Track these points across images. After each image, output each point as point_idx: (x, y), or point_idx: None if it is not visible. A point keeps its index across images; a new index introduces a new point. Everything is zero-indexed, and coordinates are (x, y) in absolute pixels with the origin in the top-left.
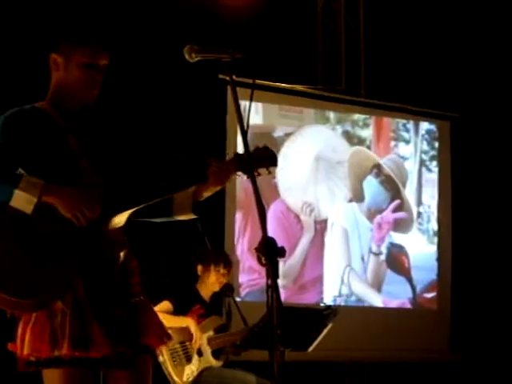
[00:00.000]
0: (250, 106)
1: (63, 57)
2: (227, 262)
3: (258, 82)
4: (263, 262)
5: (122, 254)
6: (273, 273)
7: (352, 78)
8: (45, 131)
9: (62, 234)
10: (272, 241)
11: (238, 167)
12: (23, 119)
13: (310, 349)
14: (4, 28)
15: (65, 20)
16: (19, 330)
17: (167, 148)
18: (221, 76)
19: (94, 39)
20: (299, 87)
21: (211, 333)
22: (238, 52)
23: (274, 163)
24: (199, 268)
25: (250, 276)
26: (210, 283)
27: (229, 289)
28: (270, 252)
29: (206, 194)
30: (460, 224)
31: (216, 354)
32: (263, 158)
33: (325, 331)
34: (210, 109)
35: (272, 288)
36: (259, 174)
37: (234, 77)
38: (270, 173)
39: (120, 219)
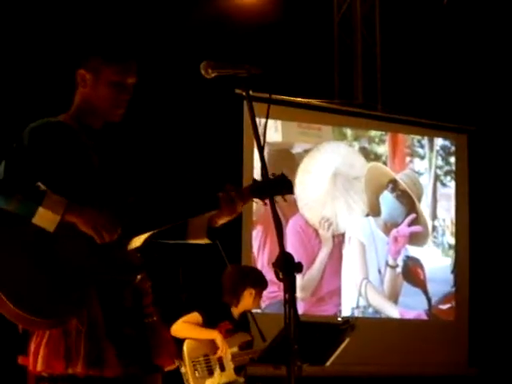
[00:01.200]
0: (266, 121)
1: (92, 73)
2: (265, 284)
3: (275, 96)
4: (281, 277)
5: (138, 276)
6: (290, 288)
7: (369, 93)
8: (71, 146)
9: (80, 253)
10: (289, 256)
11: (254, 194)
12: (51, 132)
13: (328, 363)
14: (31, 41)
15: (95, 36)
16: (32, 345)
17: (184, 166)
18: (237, 91)
19: (125, 57)
20: (316, 102)
21: (236, 349)
22: (255, 67)
23: (291, 191)
24: (239, 287)
25: (270, 289)
26: (246, 304)
27: None
28: (287, 267)
29: (221, 221)
30: (477, 237)
31: (238, 370)
32: (280, 185)
33: (342, 346)
34: (227, 124)
35: (289, 303)
36: (275, 202)
37: (250, 92)
38: (285, 200)
39: (137, 241)
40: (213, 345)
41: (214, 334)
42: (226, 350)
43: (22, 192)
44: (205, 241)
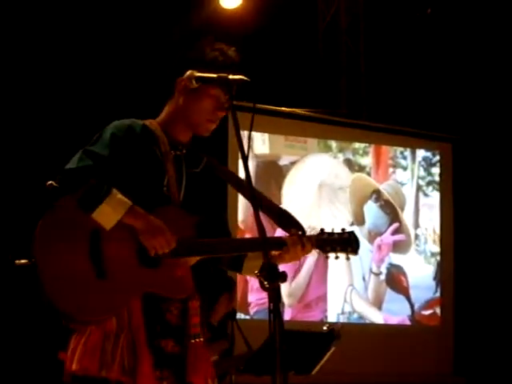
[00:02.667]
0: (250, 130)
1: (198, 83)
2: (234, 286)
3: (259, 106)
4: (266, 286)
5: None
6: (274, 297)
7: (353, 102)
8: (148, 152)
9: (128, 259)
10: (273, 266)
11: (319, 246)
12: (131, 134)
13: (314, 372)
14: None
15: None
16: (72, 342)
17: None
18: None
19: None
20: (300, 111)
21: (216, 357)
22: (239, 77)
23: (356, 252)
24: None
25: (258, 295)
26: (221, 310)
27: (232, 313)
28: (271, 277)
29: (279, 262)
30: (462, 244)
31: (220, 378)
32: (348, 243)
33: (328, 354)
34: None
35: (274, 312)
36: (337, 257)
37: (234, 102)
38: (348, 259)
39: (190, 260)
40: None
41: None
42: None
43: (89, 185)
44: (255, 276)
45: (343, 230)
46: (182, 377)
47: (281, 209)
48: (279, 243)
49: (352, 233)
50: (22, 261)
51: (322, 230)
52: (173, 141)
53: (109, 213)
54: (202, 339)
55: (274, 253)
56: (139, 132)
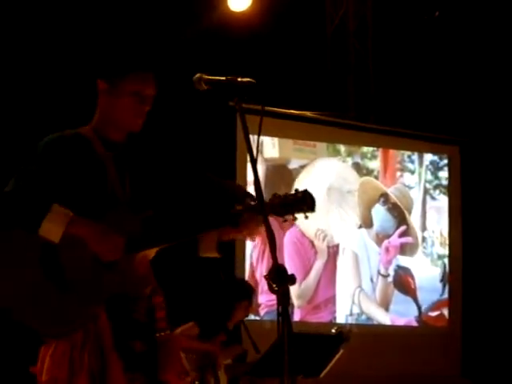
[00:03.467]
0: (259, 133)
1: (111, 83)
2: (254, 292)
3: (268, 108)
4: (274, 288)
5: (147, 289)
6: (283, 300)
7: (361, 105)
8: (84, 159)
9: (86, 266)
10: (282, 268)
11: (274, 211)
12: (63, 146)
13: (322, 375)
14: (53, 52)
15: (116, 46)
16: (41, 354)
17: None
18: (231, 103)
19: (143, 67)
20: (309, 114)
21: (230, 361)
22: (248, 79)
23: (313, 208)
24: (232, 304)
25: (268, 297)
26: (239, 317)
27: None
28: (280, 279)
29: (235, 238)
30: (470, 246)
31: (232, 382)
32: (302, 201)
33: (336, 357)
34: (220, 137)
35: (283, 315)
36: (295, 219)
37: (242, 105)
38: (306, 217)
39: (149, 254)
40: (208, 356)
41: (210, 347)
42: (221, 363)
43: (29, 204)
44: (215, 255)
45: (296, 190)
46: (154, 376)
47: (234, 184)
48: (234, 216)
49: (305, 191)
50: None
51: (274, 194)
52: (108, 142)
53: (52, 228)
54: (168, 332)
55: (231, 230)
56: (71, 141)
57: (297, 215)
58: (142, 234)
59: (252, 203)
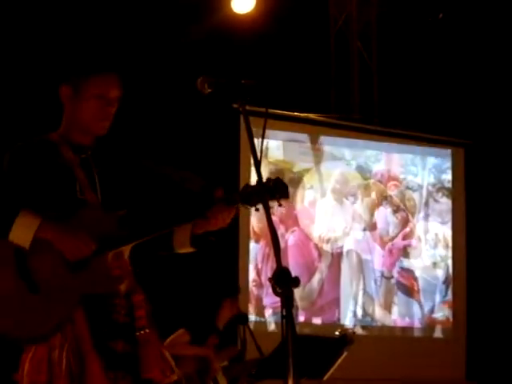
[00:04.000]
0: (263, 134)
1: (74, 88)
2: (237, 293)
3: (272, 111)
4: (278, 291)
5: (122, 287)
6: (287, 303)
7: (365, 107)
8: (50, 164)
9: (58, 269)
10: (286, 271)
11: (245, 200)
12: (29, 152)
13: (326, 377)
14: (16, 58)
15: (75, 50)
16: (22, 362)
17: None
18: (234, 106)
19: (105, 69)
20: (313, 116)
21: (226, 363)
22: (251, 81)
23: (286, 195)
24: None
25: (273, 299)
26: (226, 315)
27: (243, 318)
28: (284, 282)
29: (207, 229)
30: (474, 248)
31: (231, 382)
32: (275, 189)
33: (340, 360)
34: (224, 139)
35: (287, 318)
36: (269, 208)
37: (246, 107)
38: (280, 205)
39: (124, 251)
40: (205, 360)
41: (206, 351)
42: (217, 366)
43: None
44: (189, 249)
45: (269, 178)
46: (138, 374)
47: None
48: (203, 208)
49: (277, 178)
50: None
51: (246, 184)
52: (75, 146)
53: (22, 233)
54: (147, 331)
55: (202, 222)
56: (37, 148)
57: (270, 204)
58: (118, 232)
59: (220, 195)
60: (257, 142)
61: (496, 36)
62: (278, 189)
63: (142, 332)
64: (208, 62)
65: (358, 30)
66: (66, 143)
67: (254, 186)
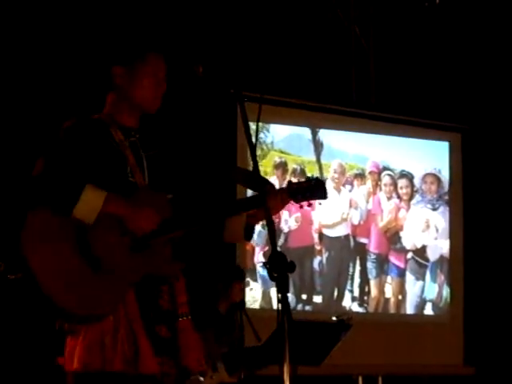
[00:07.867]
0: (257, 120)
1: (128, 67)
2: (243, 277)
3: (267, 96)
4: (273, 276)
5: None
6: (282, 287)
7: (362, 92)
8: (104, 144)
9: (120, 247)
10: (282, 256)
11: (292, 196)
12: (85, 130)
13: (322, 363)
14: (64, 43)
15: (126, 33)
16: (68, 344)
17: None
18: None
19: (158, 49)
20: (310, 103)
21: (225, 349)
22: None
23: (325, 196)
24: (219, 286)
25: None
26: (233, 299)
27: (240, 303)
28: (279, 266)
29: (261, 220)
30: (471, 234)
31: (230, 369)
32: (316, 189)
33: (337, 346)
34: (221, 124)
35: (282, 303)
36: (310, 205)
37: (242, 92)
38: (310, 205)
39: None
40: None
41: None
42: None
43: (62, 186)
44: (242, 241)
45: (308, 178)
46: (178, 361)
47: (252, 173)
48: (257, 201)
49: (317, 178)
50: (13, 276)
51: (289, 181)
52: (123, 129)
53: (87, 208)
54: (189, 317)
55: (258, 212)
56: (91, 128)
57: (311, 202)
58: (174, 216)
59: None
60: (261, 126)
61: (493, 21)
62: (319, 189)
63: (185, 318)
64: (205, 46)
65: (355, 15)
66: (115, 125)
67: (298, 184)
